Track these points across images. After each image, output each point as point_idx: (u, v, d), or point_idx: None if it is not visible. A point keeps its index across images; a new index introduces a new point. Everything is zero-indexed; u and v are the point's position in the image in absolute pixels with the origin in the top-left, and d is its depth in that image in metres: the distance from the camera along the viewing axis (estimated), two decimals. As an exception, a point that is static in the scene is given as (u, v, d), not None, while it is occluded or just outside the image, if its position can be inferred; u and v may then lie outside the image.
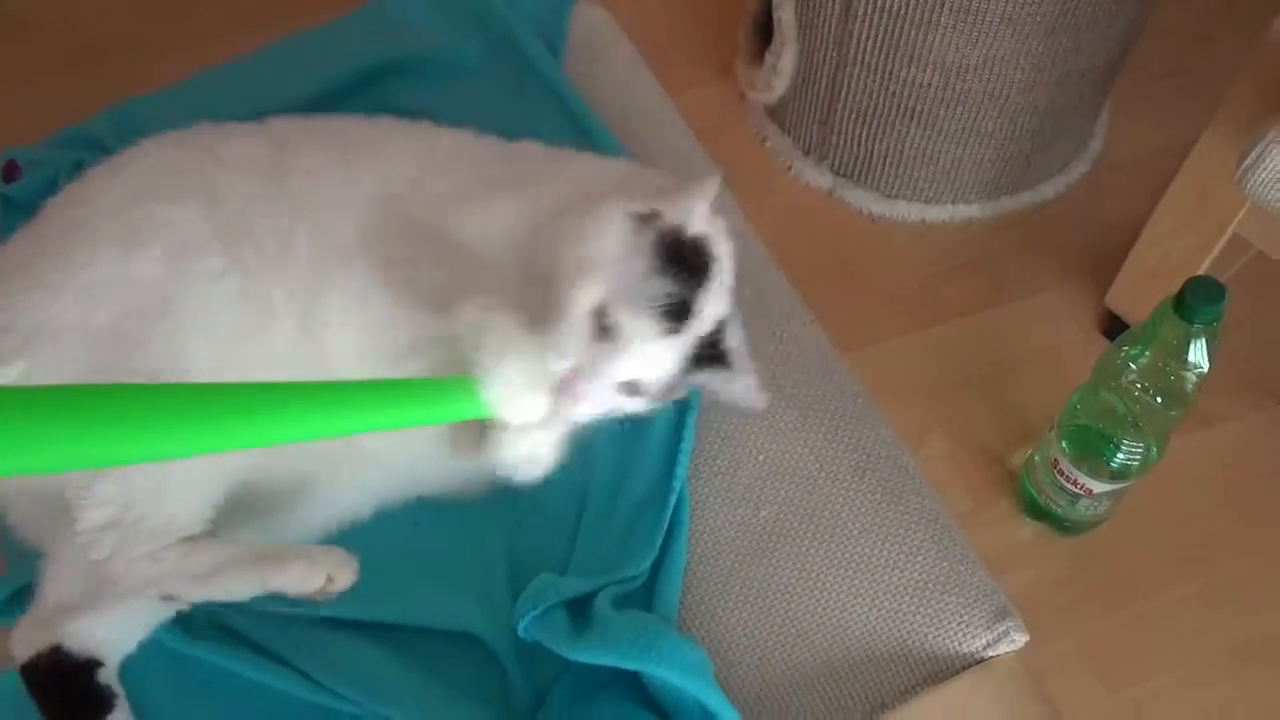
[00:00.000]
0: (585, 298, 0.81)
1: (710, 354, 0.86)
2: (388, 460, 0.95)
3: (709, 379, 0.88)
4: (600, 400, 0.84)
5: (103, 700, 0.86)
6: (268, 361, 0.89)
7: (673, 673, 0.84)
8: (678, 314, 0.82)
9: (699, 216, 0.83)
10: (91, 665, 0.86)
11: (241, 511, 0.90)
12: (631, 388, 0.85)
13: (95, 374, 0.84)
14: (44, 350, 0.85)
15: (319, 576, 0.83)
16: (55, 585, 0.90)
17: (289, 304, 0.90)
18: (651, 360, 0.83)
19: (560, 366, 0.81)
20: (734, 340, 0.89)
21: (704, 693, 0.84)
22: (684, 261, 0.83)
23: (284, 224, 0.92)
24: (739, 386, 0.89)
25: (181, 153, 0.98)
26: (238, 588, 0.83)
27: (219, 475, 0.87)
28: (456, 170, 0.96)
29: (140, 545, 0.83)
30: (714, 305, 0.85)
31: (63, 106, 1.80)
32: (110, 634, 0.88)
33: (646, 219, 0.83)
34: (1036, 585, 1.50)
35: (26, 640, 0.87)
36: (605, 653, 0.84)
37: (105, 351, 0.85)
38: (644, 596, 0.93)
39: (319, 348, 0.90)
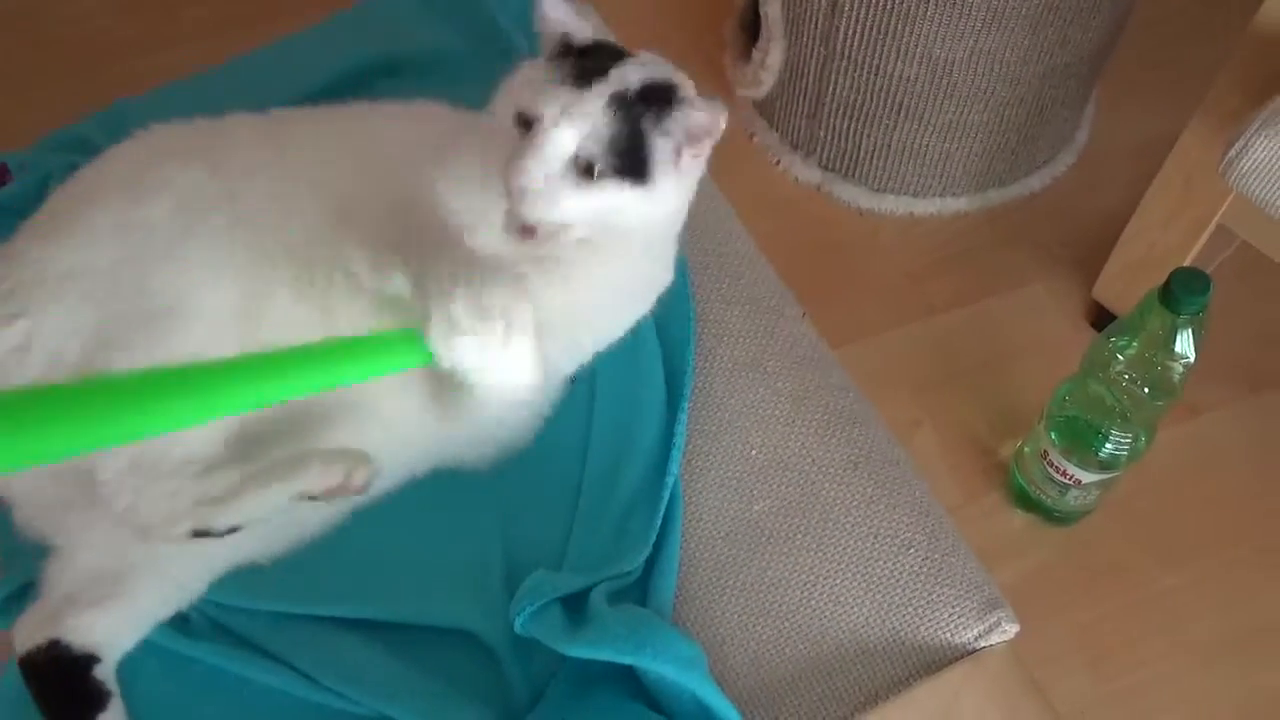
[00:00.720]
0: (507, 111, 0.83)
1: (646, 98, 0.83)
2: (392, 422, 0.94)
3: (659, 128, 0.84)
4: (560, 202, 0.82)
5: (97, 696, 0.86)
6: (270, 314, 0.90)
7: (668, 667, 0.84)
8: (585, 75, 0.82)
9: (575, 28, 0.87)
10: (88, 661, 0.86)
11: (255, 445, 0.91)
12: (583, 167, 0.82)
13: (100, 323, 0.84)
14: (45, 304, 0.85)
15: (337, 471, 0.84)
16: (59, 580, 0.90)
17: (288, 260, 0.91)
18: (570, 117, 0.80)
19: (512, 186, 0.81)
20: (686, 96, 0.86)
21: (699, 686, 0.84)
22: (585, 52, 0.85)
23: (285, 188, 0.93)
24: (692, 116, 0.85)
25: (185, 130, 1.00)
26: (262, 500, 0.83)
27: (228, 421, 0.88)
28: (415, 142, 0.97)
29: (160, 483, 0.82)
30: (633, 72, 0.84)
31: (52, 110, 1.79)
32: (109, 631, 0.88)
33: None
34: (1026, 575, 1.51)
35: (26, 633, 0.87)
36: (600, 648, 0.85)
37: (106, 297, 0.85)
38: (639, 591, 0.94)
39: (320, 301, 0.91)
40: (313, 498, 0.84)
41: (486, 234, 0.86)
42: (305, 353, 0.81)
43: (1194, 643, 1.47)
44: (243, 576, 0.94)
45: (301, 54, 1.24)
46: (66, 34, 2.06)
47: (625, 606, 0.90)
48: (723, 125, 0.86)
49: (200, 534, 0.83)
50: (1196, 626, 1.48)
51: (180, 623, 0.94)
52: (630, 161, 0.83)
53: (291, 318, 0.90)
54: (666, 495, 0.95)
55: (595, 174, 0.82)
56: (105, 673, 0.87)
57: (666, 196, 0.88)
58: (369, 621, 0.94)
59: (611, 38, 1.25)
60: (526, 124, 0.82)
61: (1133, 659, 1.46)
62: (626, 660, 0.85)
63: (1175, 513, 1.56)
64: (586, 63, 0.84)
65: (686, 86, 0.88)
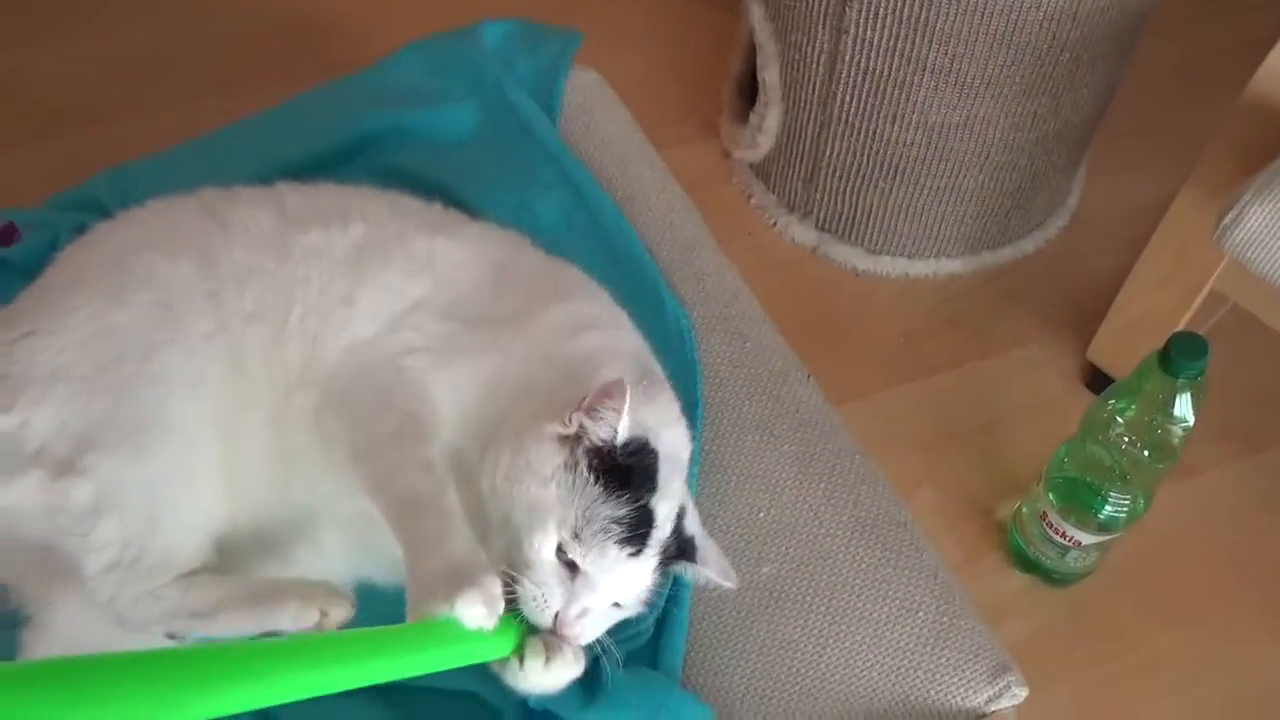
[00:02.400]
0: (548, 544, 0.82)
1: (677, 550, 0.87)
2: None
3: (683, 571, 0.91)
4: (595, 628, 0.85)
5: None
6: (246, 433, 0.90)
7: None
8: (636, 534, 0.82)
9: (624, 426, 0.82)
10: None
11: (248, 548, 0.91)
12: (619, 603, 0.86)
13: (84, 423, 0.84)
14: (36, 400, 0.85)
15: (313, 612, 0.83)
16: (34, 651, 0.89)
17: (269, 387, 0.91)
18: (626, 582, 0.84)
19: (546, 618, 0.82)
20: (693, 526, 0.90)
21: None
22: (626, 472, 0.83)
23: (280, 304, 0.92)
24: (712, 570, 0.90)
25: (186, 212, 0.98)
26: (236, 625, 0.83)
27: (215, 510, 0.88)
28: (452, 308, 0.95)
29: (141, 583, 0.83)
30: (666, 505, 0.85)
31: (46, 169, 1.80)
32: None
33: (576, 438, 0.83)
34: (1027, 637, 1.51)
35: None
36: (614, 713, 0.85)
37: (92, 399, 0.85)
38: (649, 654, 0.93)
39: (289, 441, 0.91)
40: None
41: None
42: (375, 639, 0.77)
43: (1195, 706, 1.46)
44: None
45: (309, 117, 1.26)
46: (55, 96, 2.07)
47: (637, 669, 0.89)
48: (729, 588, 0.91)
49: (173, 638, 0.85)
50: (1197, 689, 1.47)
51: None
52: (651, 594, 0.88)
53: (263, 441, 0.90)
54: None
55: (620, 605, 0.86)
56: None
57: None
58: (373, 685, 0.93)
59: (618, 102, 1.28)
60: (567, 560, 0.82)
61: (1135, 720, 1.45)
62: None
63: (1174, 574, 1.57)
64: (633, 499, 0.83)
65: (690, 504, 0.92)
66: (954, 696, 0.91)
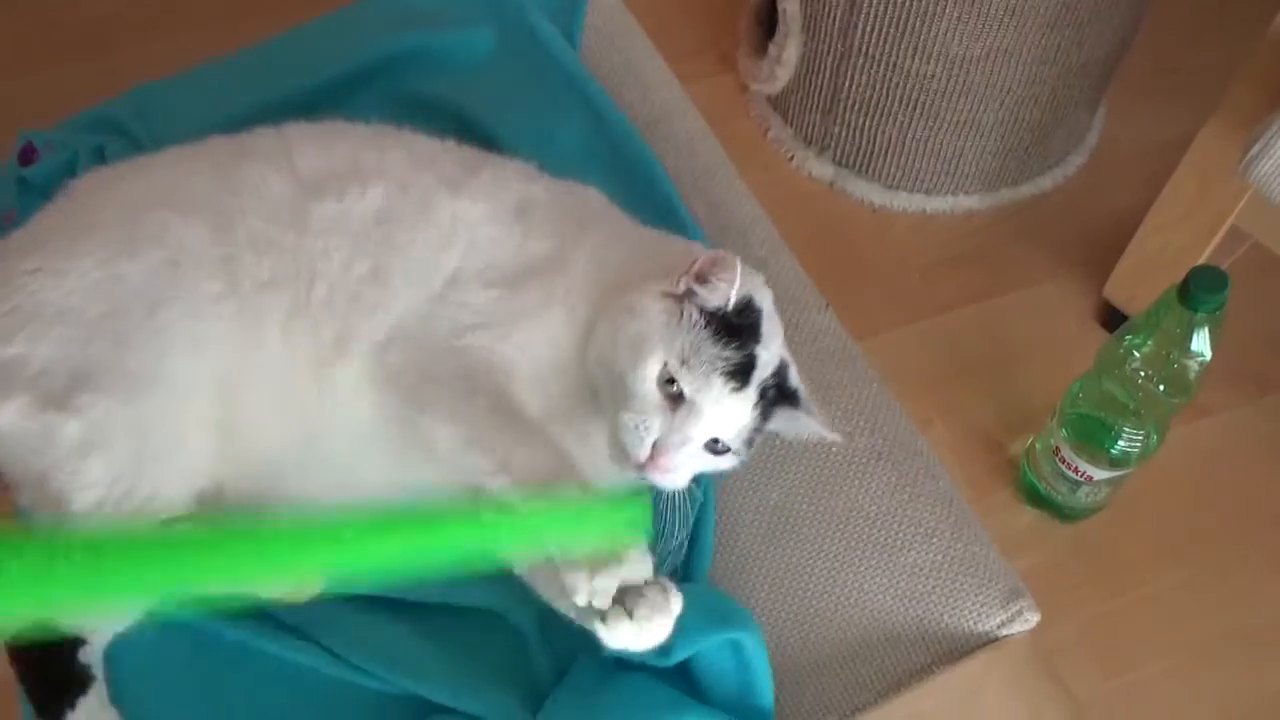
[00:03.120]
0: (650, 371, 0.85)
1: (779, 396, 0.90)
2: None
3: (782, 422, 0.92)
4: (689, 466, 0.88)
5: (79, 679, 0.87)
6: (259, 399, 0.90)
7: (749, 636, 0.86)
8: (740, 371, 0.86)
9: (735, 293, 0.87)
10: (74, 643, 0.87)
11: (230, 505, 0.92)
12: (715, 445, 0.88)
13: (82, 364, 0.85)
14: (38, 335, 0.86)
15: (284, 586, 0.86)
16: None
17: (292, 358, 0.91)
18: (727, 418, 0.87)
19: (644, 449, 0.84)
20: (796, 382, 0.93)
21: (757, 653, 0.86)
22: (732, 326, 0.87)
23: (300, 277, 0.92)
24: (811, 424, 0.92)
25: (199, 171, 0.97)
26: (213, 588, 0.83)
27: (200, 459, 0.89)
28: (489, 272, 0.94)
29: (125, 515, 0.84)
30: (769, 349, 0.89)
31: (67, 89, 1.79)
32: (97, 616, 0.89)
33: (681, 297, 0.87)
34: (1036, 571, 1.51)
35: None
36: (693, 643, 0.85)
37: (92, 344, 0.86)
38: (681, 579, 0.94)
39: (310, 404, 0.91)
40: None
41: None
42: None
43: (1201, 640, 1.48)
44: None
45: (327, 41, 1.24)
46: (76, 17, 2.06)
47: (684, 587, 0.91)
48: (834, 440, 0.93)
49: None
50: (1203, 624, 1.49)
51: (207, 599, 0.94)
52: (749, 441, 0.90)
53: (272, 404, 0.91)
54: (705, 474, 0.96)
55: (716, 449, 0.89)
56: (91, 655, 0.88)
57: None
58: (396, 601, 0.95)
59: (638, 27, 1.27)
60: (671, 383, 0.85)
61: (1140, 655, 1.47)
62: (718, 639, 0.86)
63: (1183, 511, 1.57)
64: (740, 347, 0.86)
65: (791, 361, 0.94)
66: (967, 621, 0.92)
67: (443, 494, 0.93)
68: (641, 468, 0.86)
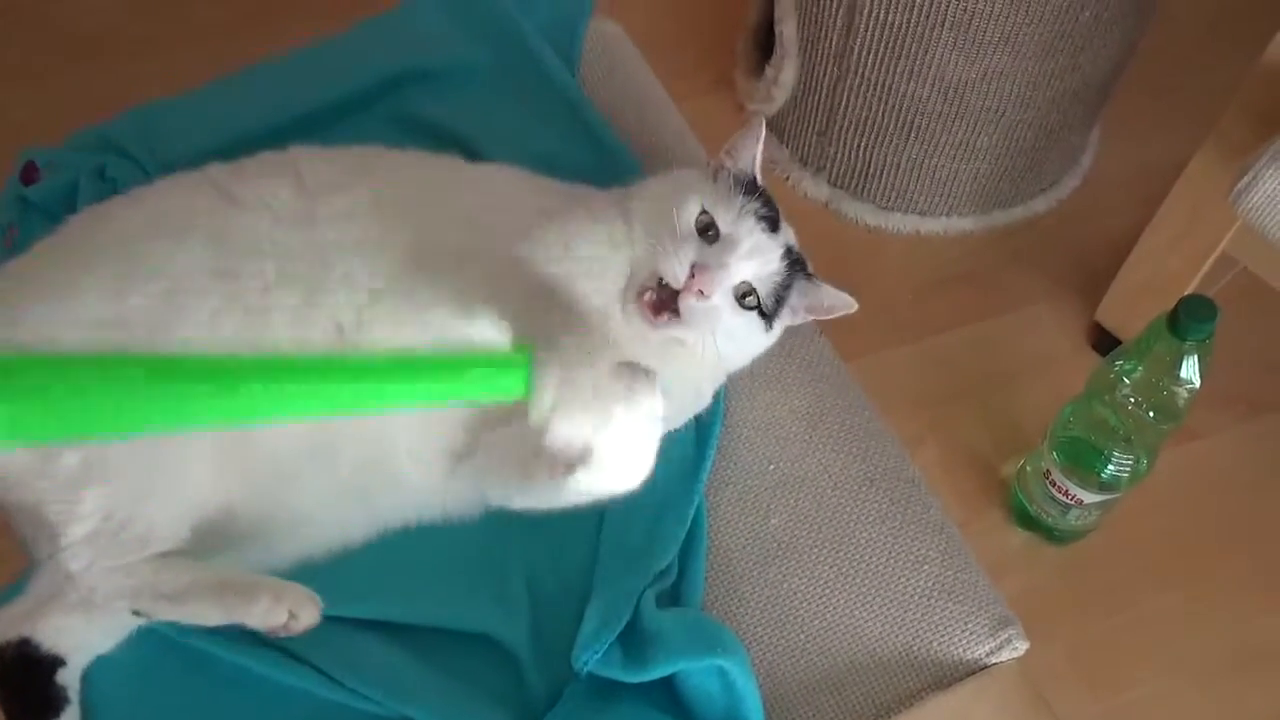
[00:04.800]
0: (691, 210, 0.91)
1: (799, 264, 0.97)
2: (374, 498, 0.96)
3: (802, 290, 0.97)
4: (717, 317, 0.91)
5: (55, 701, 0.88)
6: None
7: (735, 662, 0.87)
8: (771, 221, 0.94)
9: (760, 145, 0.96)
10: (54, 664, 0.88)
11: (229, 535, 0.92)
12: (744, 295, 0.92)
13: None
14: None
15: (281, 613, 0.85)
16: (41, 582, 0.91)
17: (293, 345, 0.91)
18: (760, 258, 0.92)
19: (683, 270, 0.88)
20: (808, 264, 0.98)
21: (746, 682, 0.87)
22: (761, 192, 0.95)
23: (313, 270, 0.92)
24: (828, 291, 0.98)
25: (196, 192, 0.97)
26: (203, 613, 0.86)
27: (201, 494, 0.89)
28: (510, 206, 0.98)
29: (116, 556, 0.85)
30: (786, 233, 0.97)
31: (67, 103, 1.81)
32: (81, 635, 0.90)
33: (717, 169, 0.96)
34: (1026, 593, 1.53)
35: (2, 628, 0.89)
36: (675, 661, 0.87)
37: None
38: (669, 599, 0.95)
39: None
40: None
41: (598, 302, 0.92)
42: (389, 363, 0.81)
43: (1189, 664, 1.49)
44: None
45: (328, 63, 1.25)
46: (76, 30, 2.07)
47: (672, 610, 0.92)
48: (851, 310, 0.99)
49: (138, 615, 0.87)
50: (1192, 648, 1.50)
51: (199, 621, 0.95)
52: (774, 305, 0.95)
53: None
54: (695, 500, 0.98)
55: (746, 304, 0.93)
56: (69, 677, 0.89)
57: (772, 339, 0.99)
58: (389, 623, 0.96)
59: (638, 54, 1.28)
60: (709, 229, 0.91)
61: (1129, 678, 1.48)
62: (703, 664, 0.87)
63: (1173, 534, 1.59)
64: (768, 208, 0.95)
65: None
66: (956, 648, 0.93)
67: (453, 496, 0.96)
68: (658, 309, 0.89)
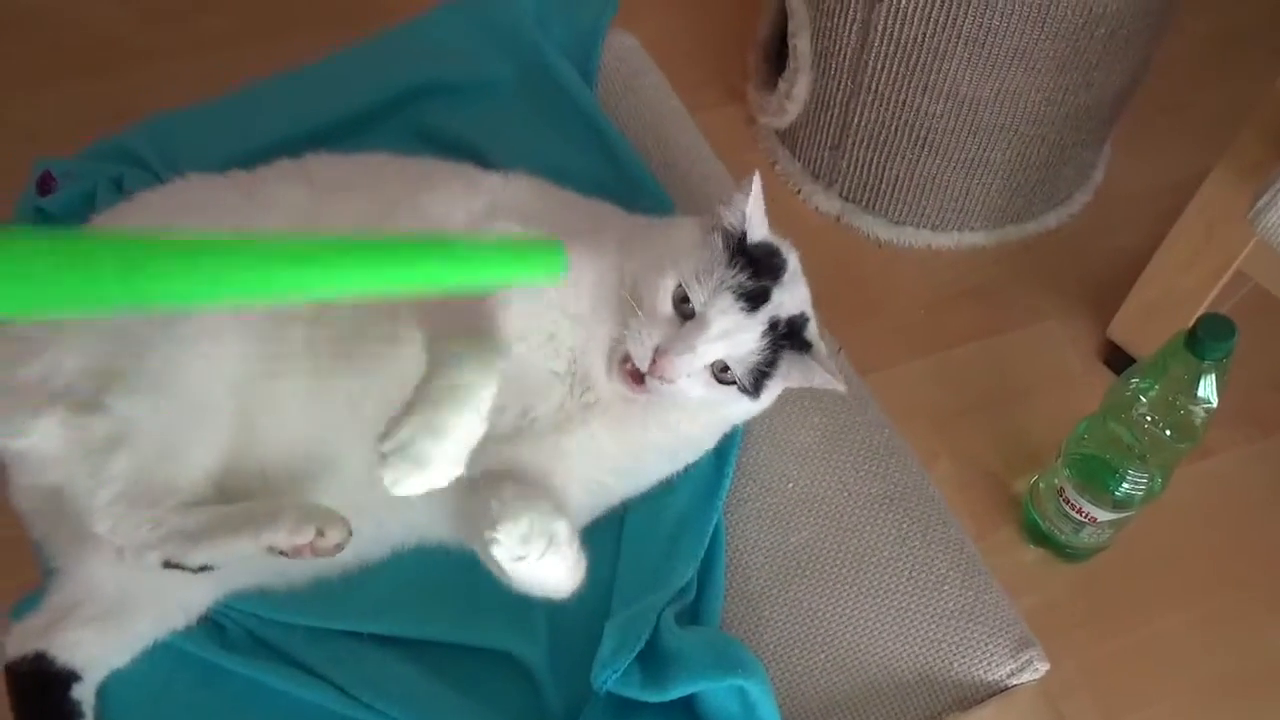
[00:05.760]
0: (666, 284, 0.88)
1: (791, 338, 0.91)
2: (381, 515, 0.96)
3: (790, 365, 0.92)
4: (692, 387, 0.88)
5: (69, 717, 0.88)
6: (272, 394, 0.91)
7: (755, 682, 0.86)
8: (752, 297, 0.88)
9: (756, 224, 0.90)
10: (69, 678, 0.88)
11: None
12: (720, 370, 0.89)
13: (109, 367, 0.87)
14: (65, 348, 0.87)
15: (309, 530, 0.83)
16: (58, 593, 0.91)
17: (306, 349, 0.92)
18: (734, 337, 0.87)
19: (646, 354, 0.86)
20: (813, 337, 0.94)
21: (766, 703, 0.86)
22: (753, 258, 0.89)
23: None
24: (820, 373, 0.93)
25: (218, 187, 1.00)
26: (234, 545, 0.84)
27: (221, 448, 0.90)
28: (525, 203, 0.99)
29: (143, 511, 0.85)
30: (789, 296, 0.91)
31: (75, 112, 1.81)
32: (97, 650, 0.90)
33: (713, 227, 0.91)
34: (1037, 610, 1.52)
35: (17, 642, 0.89)
36: (697, 680, 0.87)
37: (116, 347, 0.87)
38: (689, 618, 0.95)
39: (331, 398, 0.92)
40: (282, 553, 0.84)
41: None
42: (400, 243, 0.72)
43: (1202, 683, 1.48)
44: (280, 591, 0.95)
45: (345, 75, 1.25)
46: (86, 38, 2.06)
47: (692, 629, 0.91)
48: (839, 390, 0.93)
49: (171, 566, 0.85)
50: (1205, 667, 1.50)
51: (218, 634, 0.95)
52: (754, 380, 0.90)
53: (293, 407, 0.92)
54: (714, 518, 0.97)
55: (723, 379, 0.89)
56: (84, 692, 0.89)
57: (765, 403, 0.94)
58: (406, 639, 0.95)
59: (655, 67, 1.28)
60: (686, 302, 0.88)
61: (1141, 696, 1.48)
62: (724, 684, 0.86)
63: (1186, 553, 1.58)
64: (756, 278, 0.89)
65: (812, 318, 0.96)
66: (976, 669, 0.92)
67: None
68: (639, 378, 0.87)
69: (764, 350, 0.89)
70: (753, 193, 0.90)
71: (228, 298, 0.75)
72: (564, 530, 0.82)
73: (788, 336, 0.91)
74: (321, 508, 0.86)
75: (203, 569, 0.85)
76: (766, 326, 0.89)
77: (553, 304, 0.91)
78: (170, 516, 0.85)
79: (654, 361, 0.86)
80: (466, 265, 0.71)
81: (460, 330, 0.83)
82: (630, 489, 0.99)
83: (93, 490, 0.85)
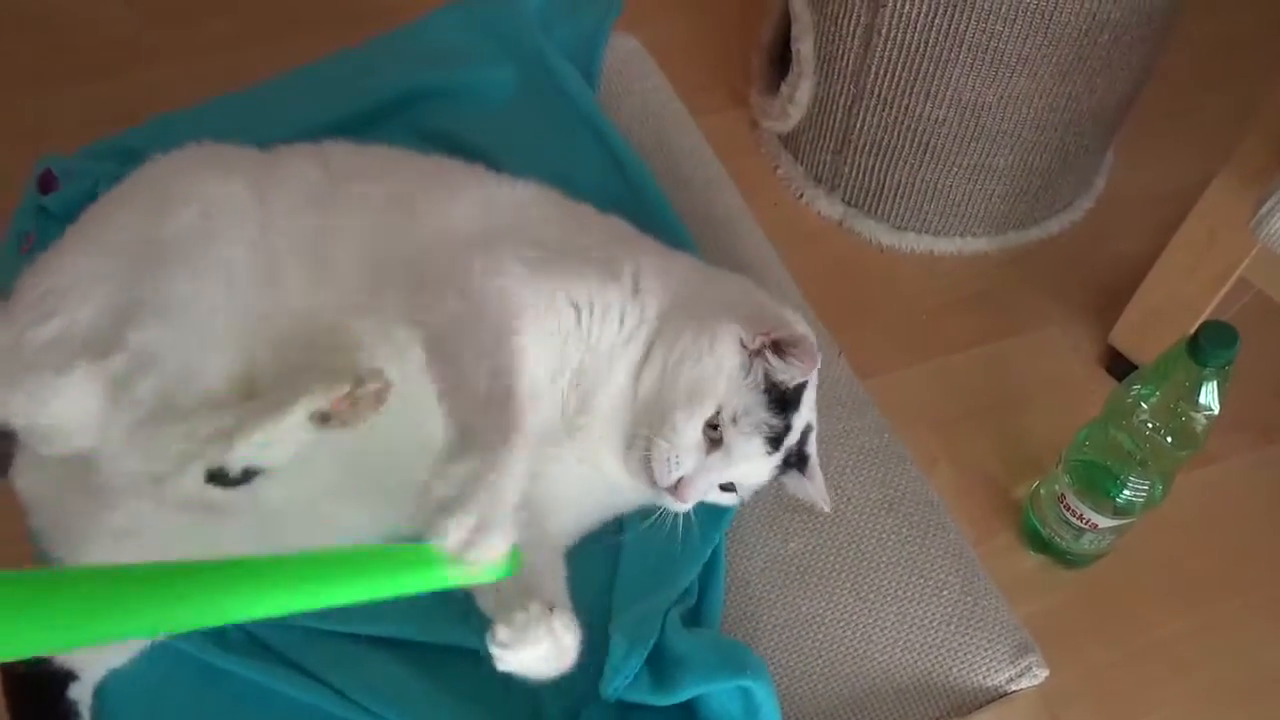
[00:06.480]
0: (704, 414, 0.89)
1: (794, 460, 0.95)
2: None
3: (788, 481, 0.97)
4: (700, 495, 0.92)
5: (66, 717, 0.87)
6: (273, 332, 0.91)
7: (761, 684, 0.86)
8: (778, 438, 0.91)
9: (803, 373, 0.92)
10: (65, 678, 0.87)
11: None
12: (727, 486, 0.94)
13: (124, 305, 0.87)
14: (80, 300, 0.88)
15: (343, 385, 0.81)
16: None
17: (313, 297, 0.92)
18: (752, 473, 0.93)
19: (670, 479, 0.89)
20: (812, 448, 0.96)
21: (769, 704, 0.86)
22: (785, 397, 0.91)
23: (315, 258, 0.93)
24: (812, 489, 0.97)
25: (234, 151, 1.02)
26: (275, 427, 0.81)
27: (237, 352, 0.90)
28: (539, 246, 0.96)
29: (175, 426, 0.83)
30: (802, 418, 0.94)
31: (80, 113, 1.81)
32: (92, 650, 0.89)
33: (755, 354, 0.91)
34: (1037, 617, 1.48)
35: None
36: (708, 682, 0.86)
37: (131, 287, 0.88)
38: (690, 620, 0.94)
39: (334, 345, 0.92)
40: (326, 418, 0.81)
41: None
42: (307, 561, 0.74)
43: (1203, 690, 1.48)
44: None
45: (348, 75, 1.25)
46: (90, 38, 2.07)
47: (696, 630, 0.91)
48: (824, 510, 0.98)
49: (216, 478, 0.82)
50: (1206, 674, 1.49)
51: (216, 635, 0.94)
52: (753, 492, 0.96)
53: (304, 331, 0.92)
54: (729, 515, 0.98)
55: (726, 488, 0.94)
56: (81, 692, 0.88)
57: None
58: (404, 642, 0.95)
59: (658, 70, 1.28)
60: (715, 428, 0.90)
61: (1142, 703, 1.47)
62: (729, 685, 0.86)
63: (1187, 559, 1.58)
64: (783, 414, 0.91)
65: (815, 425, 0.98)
66: (975, 675, 0.92)
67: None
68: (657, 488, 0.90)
69: (772, 475, 0.94)
70: (816, 368, 0.92)
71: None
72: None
73: (795, 455, 0.95)
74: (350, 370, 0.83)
75: (247, 476, 0.82)
76: (781, 460, 0.93)
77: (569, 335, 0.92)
78: (201, 422, 0.83)
79: (676, 485, 0.90)
80: (361, 581, 0.73)
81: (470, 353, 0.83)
82: (622, 507, 0.99)
83: (123, 416, 0.83)
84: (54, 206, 1.13)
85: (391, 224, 0.95)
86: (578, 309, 0.91)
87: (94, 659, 0.90)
